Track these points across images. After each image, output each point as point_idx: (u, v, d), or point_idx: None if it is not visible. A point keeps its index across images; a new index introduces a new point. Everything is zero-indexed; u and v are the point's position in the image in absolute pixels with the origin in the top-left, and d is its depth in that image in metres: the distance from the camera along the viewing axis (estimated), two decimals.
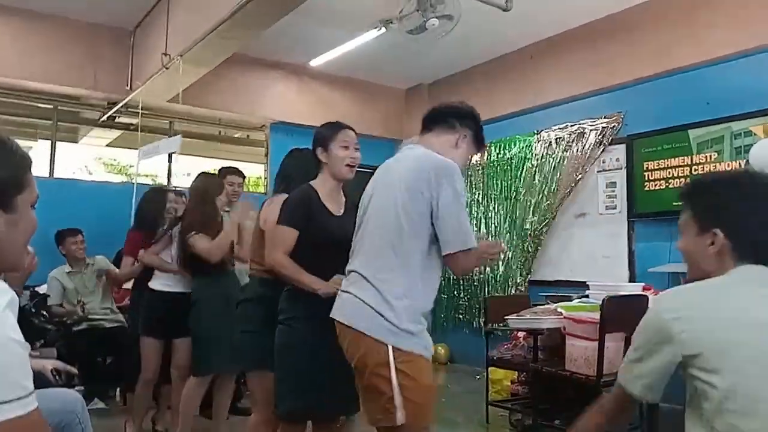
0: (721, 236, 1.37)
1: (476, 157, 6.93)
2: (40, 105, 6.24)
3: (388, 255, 1.95)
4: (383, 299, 1.91)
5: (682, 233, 1.48)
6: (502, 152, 6.66)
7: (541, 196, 6.16)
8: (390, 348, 1.88)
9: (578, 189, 5.84)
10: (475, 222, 6.86)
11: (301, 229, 2.37)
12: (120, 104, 6.07)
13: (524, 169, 6.37)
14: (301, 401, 2.29)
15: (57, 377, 1.93)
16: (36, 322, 4.03)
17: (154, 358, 3.65)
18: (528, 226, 6.25)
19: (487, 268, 6.63)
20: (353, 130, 2.59)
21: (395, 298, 1.91)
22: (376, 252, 1.99)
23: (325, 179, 2.50)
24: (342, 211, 2.50)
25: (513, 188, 6.48)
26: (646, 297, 3.97)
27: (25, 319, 3.84)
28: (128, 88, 5.99)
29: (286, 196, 2.58)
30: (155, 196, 4.26)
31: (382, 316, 1.90)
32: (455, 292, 6.94)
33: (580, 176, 5.83)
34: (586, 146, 5.80)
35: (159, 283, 3.68)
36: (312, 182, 2.51)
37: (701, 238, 1.41)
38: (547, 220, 6.06)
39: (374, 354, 1.89)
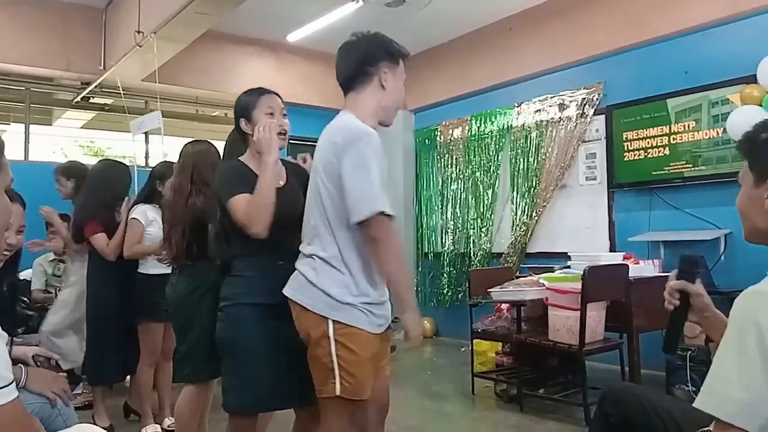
0: None
1: (458, 132, 6.94)
2: (12, 87, 6.10)
3: (321, 231, 1.98)
4: (322, 274, 1.95)
5: (741, 186, 1.37)
6: (482, 125, 6.65)
7: (523, 168, 6.19)
8: (330, 322, 1.92)
9: (559, 160, 5.86)
10: (458, 195, 6.89)
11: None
12: (94, 84, 5.96)
13: (505, 142, 6.38)
14: (249, 396, 2.13)
15: (39, 364, 1.91)
16: (17, 310, 3.98)
17: (160, 341, 3.57)
18: (515, 198, 6.29)
19: (473, 240, 6.67)
20: (279, 96, 2.34)
21: (334, 272, 1.94)
22: (311, 229, 2.01)
23: (254, 153, 2.21)
24: (283, 182, 2.22)
25: (495, 161, 6.49)
26: (626, 266, 4.03)
27: (5, 307, 3.79)
28: (102, 67, 5.87)
29: None
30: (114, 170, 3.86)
31: (322, 291, 1.94)
32: (439, 267, 6.98)
33: (571, 148, 5.85)
34: (567, 117, 5.81)
35: (152, 266, 3.49)
36: (240, 158, 2.25)
37: (757, 191, 1.31)
38: (537, 192, 6.09)
39: (316, 327, 1.94)
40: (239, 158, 2.25)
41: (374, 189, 1.88)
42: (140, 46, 4.98)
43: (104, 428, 3.62)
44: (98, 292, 3.72)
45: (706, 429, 1.37)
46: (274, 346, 2.10)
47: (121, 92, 5.54)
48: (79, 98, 6.30)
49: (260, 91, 2.28)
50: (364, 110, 2.03)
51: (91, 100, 6.41)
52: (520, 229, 6.17)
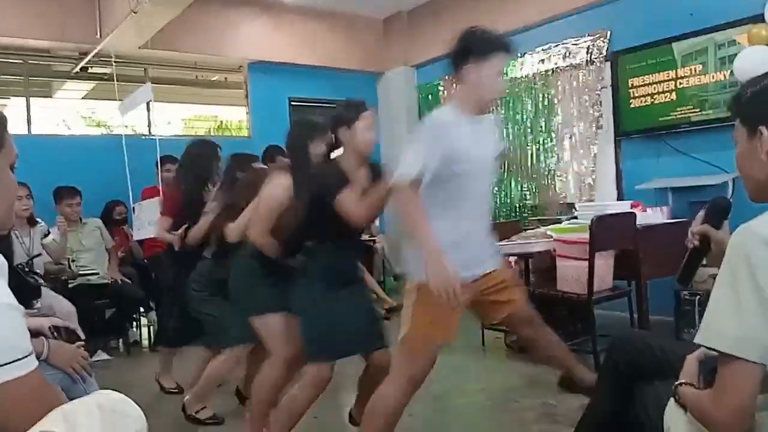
0: (767, 133, 1.28)
1: None
2: (9, 61, 6.05)
3: None
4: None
5: (737, 144, 1.39)
6: None
7: (527, 119, 6.14)
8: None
9: (564, 110, 5.80)
10: None
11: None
12: (91, 54, 5.90)
13: (509, 94, 6.30)
14: (327, 343, 2.51)
15: (55, 334, 1.94)
16: (31, 282, 4.03)
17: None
18: (520, 150, 6.26)
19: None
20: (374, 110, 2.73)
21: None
22: None
23: (347, 157, 2.63)
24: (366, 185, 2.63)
25: (499, 114, 6.43)
26: (634, 214, 4.03)
27: (20, 279, 3.85)
28: (98, 36, 5.80)
29: (282, 173, 2.77)
30: (205, 149, 3.68)
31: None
32: None
33: (576, 97, 5.78)
34: (572, 66, 5.72)
35: None
36: (336, 159, 2.65)
37: (751, 143, 1.33)
38: (542, 143, 6.05)
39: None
40: (334, 161, 2.65)
41: (405, 161, 2.19)
42: (135, 12, 4.91)
43: (171, 389, 3.81)
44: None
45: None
46: (344, 305, 2.51)
47: (113, 61, 5.50)
48: (77, 69, 6.25)
49: (363, 107, 2.62)
50: (456, 100, 2.39)
51: (90, 70, 6.36)
52: (527, 181, 6.16)
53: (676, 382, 1.44)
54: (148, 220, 4.89)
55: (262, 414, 2.77)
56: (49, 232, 4.60)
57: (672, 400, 1.43)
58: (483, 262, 2.39)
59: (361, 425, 2.44)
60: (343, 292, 2.53)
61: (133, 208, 5.11)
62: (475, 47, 2.29)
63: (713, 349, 1.22)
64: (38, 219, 4.56)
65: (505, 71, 2.43)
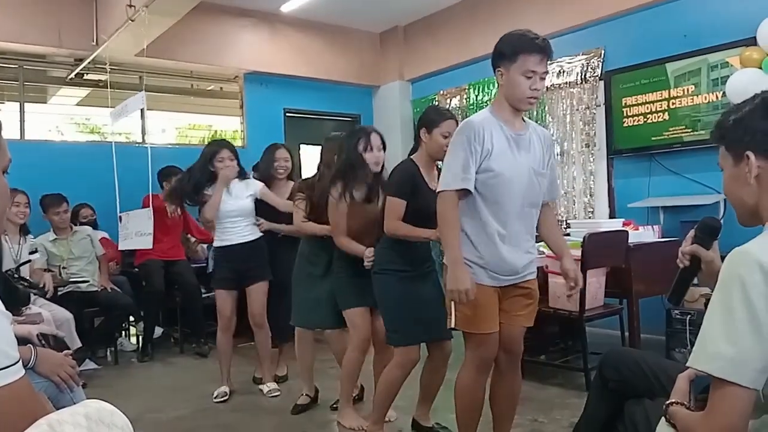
0: (753, 158, 1.30)
1: (456, 101, 6.89)
2: (4, 65, 6.03)
3: None
4: None
5: (723, 170, 1.40)
6: (481, 94, 6.60)
7: None
8: None
9: (558, 128, 5.83)
10: None
11: (408, 200, 2.79)
12: (87, 61, 5.89)
13: None
14: (401, 334, 2.85)
15: (43, 342, 1.93)
16: (20, 288, 4.00)
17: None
18: None
19: None
20: (456, 120, 2.89)
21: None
22: None
23: (422, 155, 2.91)
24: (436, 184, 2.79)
25: None
26: (626, 232, 4.05)
27: (8, 286, 3.82)
28: (94, 43, 5.80)
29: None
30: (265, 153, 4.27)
31: None
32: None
33: (569, 114, 5.82)
34: (566, 83, 5.76)
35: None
36: (412, 157, 2.95)
37: (738, 168, 1.34)
38: None
39: None
40: (412, 158, 2.94)
41: (448, 171, 2.35)
42: (132, 21, 4.91)
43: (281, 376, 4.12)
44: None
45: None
46: (411, 298, 2.82)
47: (108, 69, 5.48)
48: (73, 75, 6.23)
49: (445, 115, 2.91)
50: (496, 104, 2.51)
51: (86, 77, 6.34)
52: None
53: (667, 402, 1.43)
54: (135, 231, 4.84)
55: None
56: (36, 250, 4.54)
57: (663, 419, 1.42)
58: (514, 272, 2.49)
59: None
60: (407, 286, 2.84)
61: (120, 217, 5.04)
62: (501, 52, 2.46)
63: (706, 373, 1.22)
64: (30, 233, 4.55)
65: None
